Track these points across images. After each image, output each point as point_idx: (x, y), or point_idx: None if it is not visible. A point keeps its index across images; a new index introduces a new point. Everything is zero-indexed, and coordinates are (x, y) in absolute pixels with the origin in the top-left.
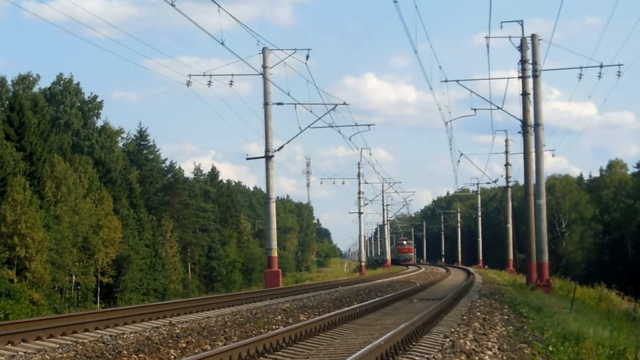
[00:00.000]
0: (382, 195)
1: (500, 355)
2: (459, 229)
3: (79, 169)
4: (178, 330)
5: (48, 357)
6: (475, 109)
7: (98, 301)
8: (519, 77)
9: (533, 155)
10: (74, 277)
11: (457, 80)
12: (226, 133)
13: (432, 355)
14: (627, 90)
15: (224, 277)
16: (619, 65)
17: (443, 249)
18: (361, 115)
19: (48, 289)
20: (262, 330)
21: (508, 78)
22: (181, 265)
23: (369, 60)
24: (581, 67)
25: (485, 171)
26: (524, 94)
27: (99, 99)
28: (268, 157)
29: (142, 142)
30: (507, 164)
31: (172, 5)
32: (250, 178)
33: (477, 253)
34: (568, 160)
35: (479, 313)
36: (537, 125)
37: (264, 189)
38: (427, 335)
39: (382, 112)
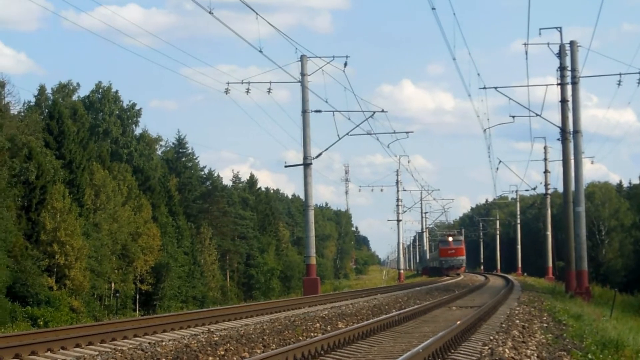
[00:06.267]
0: (421, 203)
1: None
2: (498, 236)
3: (117, 176)
4: (216, 338)
5: None
6: (513, 116)
7: (137, 309)
8: (558, 84)
9: (572, 162)
10: (113, 285)
11: (496, 87)
12: (264, 141)
13: None
14: None
15: (262, 284)
16: None
17: (482, 256)
18: (398, 122)
19: (87, 297)
20: (300, 338)
21: (547, 85)
22: (220, 272)
23: (405, 68)
24: (620, 74)
25: (524, 178)
26: (563, 100)
27: (137, 107)
28: (306, 165)
29: (180, 150)
30: (546, 171)
31: (210, 13)
32: (289, 186)
33: (516, 260)
34: (607, 167)
35: (517, 321)
36: (576, 132)
37: (302, 197)
38: (466, 343)
39: (420, 119)
